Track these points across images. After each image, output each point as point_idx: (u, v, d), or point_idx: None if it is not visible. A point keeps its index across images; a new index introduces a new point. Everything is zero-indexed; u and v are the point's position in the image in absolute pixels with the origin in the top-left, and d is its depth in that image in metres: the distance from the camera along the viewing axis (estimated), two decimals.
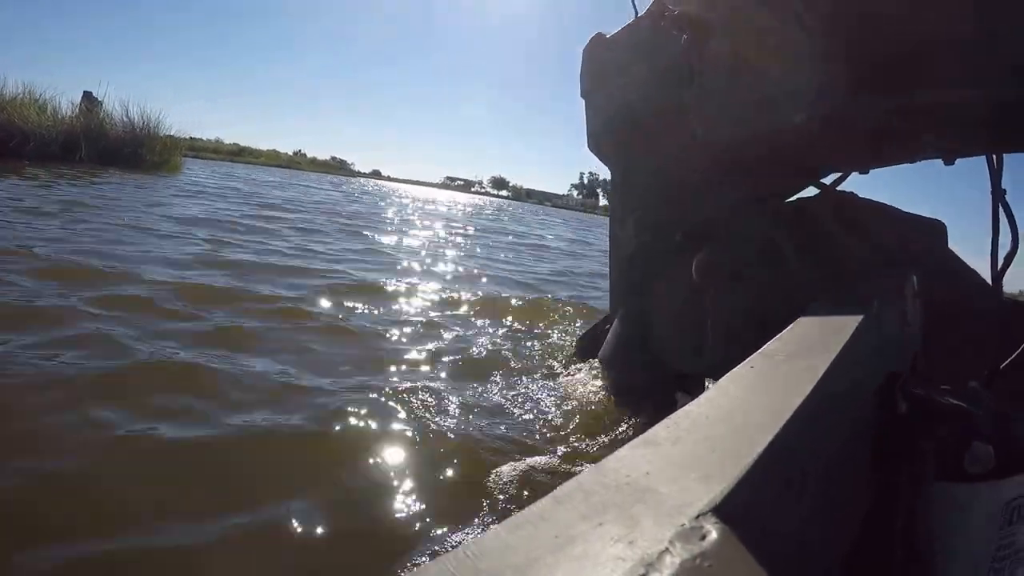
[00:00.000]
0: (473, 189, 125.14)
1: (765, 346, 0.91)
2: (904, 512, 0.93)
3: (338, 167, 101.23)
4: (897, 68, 1.54)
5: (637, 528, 0.35)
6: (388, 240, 9.14)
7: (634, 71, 2.93)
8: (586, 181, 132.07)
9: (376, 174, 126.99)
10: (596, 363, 3.39)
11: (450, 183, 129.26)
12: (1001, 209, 1.87)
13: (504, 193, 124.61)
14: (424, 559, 1.49)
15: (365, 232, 9.63)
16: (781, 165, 2.27)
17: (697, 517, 0.36)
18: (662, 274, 2.97)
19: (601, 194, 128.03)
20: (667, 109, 2.75)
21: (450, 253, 8.71)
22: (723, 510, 0.37)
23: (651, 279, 3.08)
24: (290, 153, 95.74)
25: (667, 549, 0.32)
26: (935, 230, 2.31)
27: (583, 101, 3.62)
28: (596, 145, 3.57)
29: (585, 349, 3.68)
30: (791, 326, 1.04)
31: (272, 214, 10.04)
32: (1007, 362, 1.57)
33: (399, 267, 6.48)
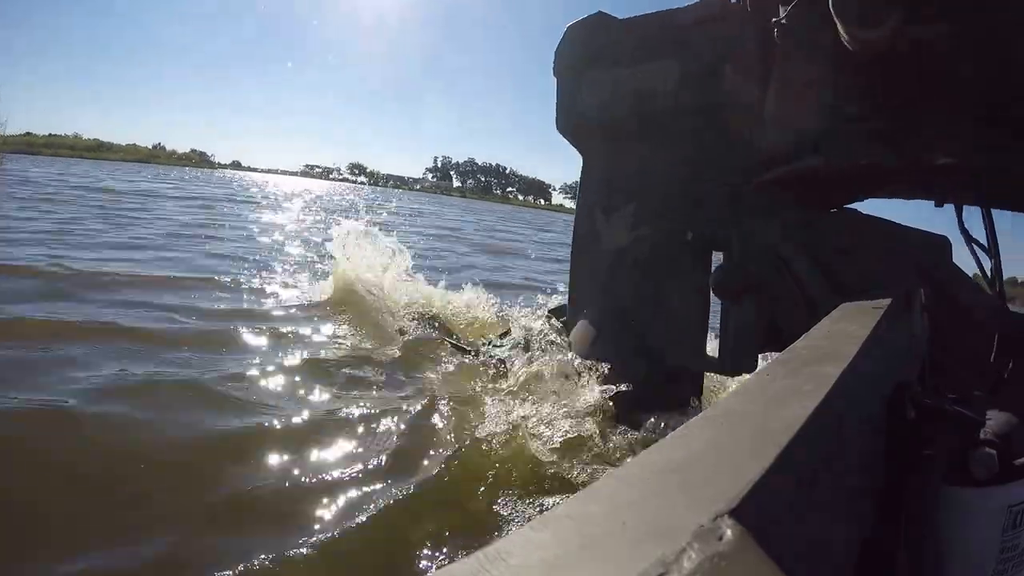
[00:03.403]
0: (332, 176, 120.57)
1: (780, 354, 0.94)
2: (911, 515, 0.95)
3: (199, 159, 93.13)
4: (901, 129, 1.96)
5: (657, 527, 0.36)
6: None
7: (662, 63, 2.88)
8: (439, 164, 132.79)
9: (236, 165, 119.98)
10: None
11: (309, 171, 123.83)
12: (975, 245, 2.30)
13: (362, 179, 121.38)
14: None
15: None
16: (802, 190, 2.41)
17: (715, 518, 0.37)
18: (668, 271, 2.94)
19: (454, 176, 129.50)
20: (700, 108, 2.74)
21: None
22: (739, 512, 0.38)
23: (652, 275, 3.01)
24: (149, 147, 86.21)
25: (685, 549, 0.33)
26: (940, 246, 2.39)
27: (558, 78, 3.44)
28: (576, 126, 3.41)
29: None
30: (803, 336, 1.06)
31: None
32: (1010, 370, 1.72)
33: None
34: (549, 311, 4.06)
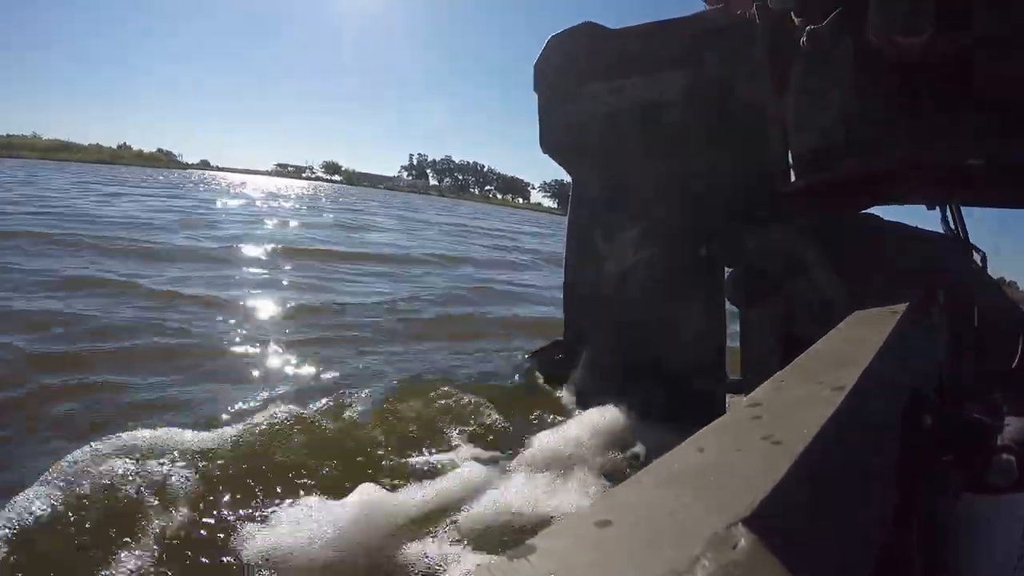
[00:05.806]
0: (305, 175, 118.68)
1: (795, 361, 0.92)
2: (927, 523, 0.93)
3: (166, 160, 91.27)
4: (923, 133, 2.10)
5: (672, 536, 0.36)
6: None
7: (667, 74, 2.83)
8: (415, 162, 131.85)
9: (205, 164, 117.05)
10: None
11: (282, 170, 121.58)
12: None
13: (337, 178, 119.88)
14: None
15: None
16: (823, 195, 2.45)
17: (729, 526, 0.36)
18: (681, 290, 2.87)
19: (431, 174, 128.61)
20: (710, 117, 2.72)
21: None
22: (753, 520, 0.38)
23: (664, 297, 2.91)
24: (114, 147, 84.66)
25: (699, 557, 0.33)
26: (958, 248, 2.41)
27: (542, 94, 3.26)
28: (567, 142, 3.24)
29: (549, 376, 3.40)
30: (819, 342, 1.06)
31: None
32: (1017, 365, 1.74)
33: None
34: (534, 353, 3.74)
